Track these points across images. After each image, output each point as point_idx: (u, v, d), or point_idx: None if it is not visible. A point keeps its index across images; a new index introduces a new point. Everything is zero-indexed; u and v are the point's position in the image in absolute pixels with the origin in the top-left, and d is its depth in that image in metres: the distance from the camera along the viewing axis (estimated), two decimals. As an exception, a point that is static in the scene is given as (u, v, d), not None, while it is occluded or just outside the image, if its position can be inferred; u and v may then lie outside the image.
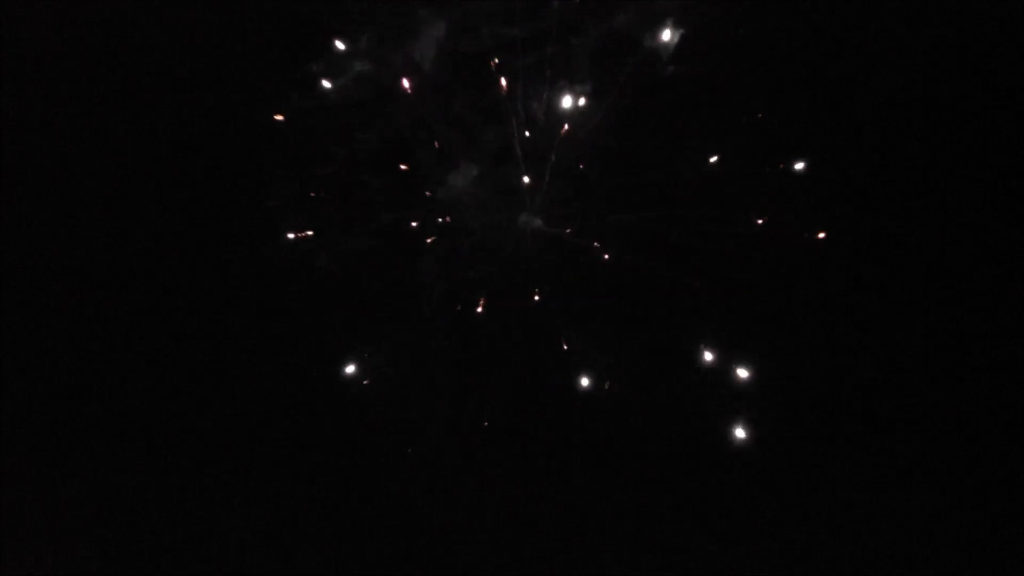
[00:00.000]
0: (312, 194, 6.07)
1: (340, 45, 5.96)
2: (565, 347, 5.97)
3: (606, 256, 5.99)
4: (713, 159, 6.02)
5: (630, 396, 5.93)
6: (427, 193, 5.99)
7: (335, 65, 6.13)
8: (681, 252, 6.01)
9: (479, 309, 5.94)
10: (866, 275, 5.93)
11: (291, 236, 5.86)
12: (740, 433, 5.77)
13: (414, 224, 5.95)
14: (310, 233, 5.83)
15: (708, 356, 5.83)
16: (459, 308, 5.95)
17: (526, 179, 5.97)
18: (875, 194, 6.00)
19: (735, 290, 5.99)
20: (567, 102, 6.05)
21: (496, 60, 6.10)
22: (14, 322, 5.95)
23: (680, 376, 5.92)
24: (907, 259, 5.93)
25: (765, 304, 5.97)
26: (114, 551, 6.00)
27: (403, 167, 6.03)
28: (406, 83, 6.03)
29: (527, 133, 6.02)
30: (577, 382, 5.90)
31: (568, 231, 5.95)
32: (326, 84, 6.07)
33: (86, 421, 5.92)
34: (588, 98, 6.02)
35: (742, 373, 5.86)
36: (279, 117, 5.92)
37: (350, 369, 5.90)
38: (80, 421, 5.90)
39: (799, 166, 5.94)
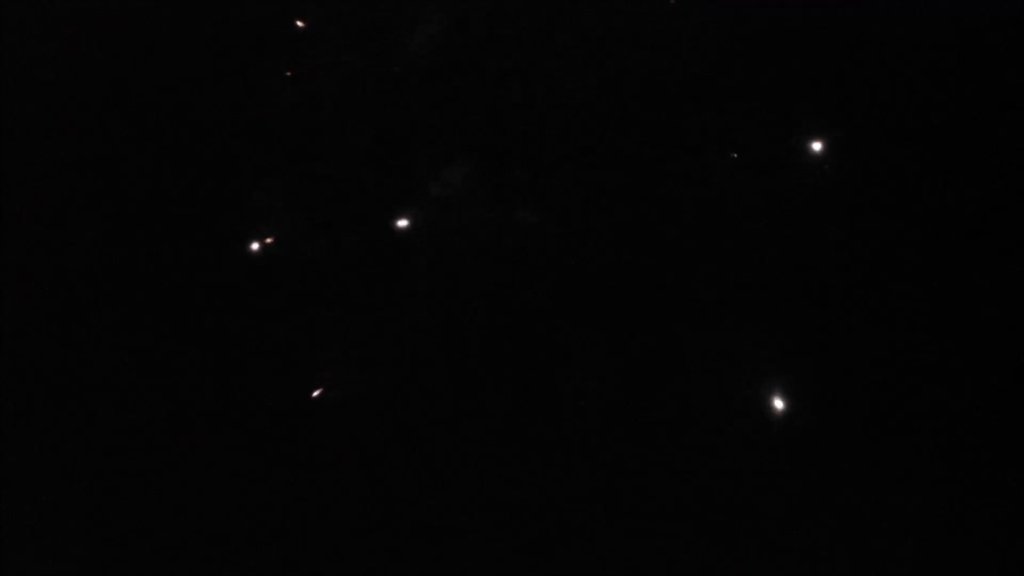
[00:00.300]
0: (299, 191, 6.08)
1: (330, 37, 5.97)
2: (563, 347, 5.99)
3: (605, 254, 6.00)
4: (718, 157, 6.03)
5: (631, 398, 5.94)
6: (419, 190, 5.99)
7: (323, 59, 6.14)
8: (681, 252, 6.03)
9: (473, 310, 5.94)
10: (876, 277, 5.94)
11: (269, 240, 5.88)
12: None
13: (405, 222, 5.95)
14: (269, 241, 5.84)
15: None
16: (452, 308, 5.96)
17: (522, 175, 5.97)
18: (887, 193, 6.02)
19: (737, 291, 6.01)
20: (567, 97, 6.06)
21: (493, 55, 6.11)
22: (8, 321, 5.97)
23: (681, 376, 5.93)
24: (920, 260, 5.94)
25: (768, 305, 5.99)
26: (112, 551, 6.02)
27: (394, 163, 6.04)
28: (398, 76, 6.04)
29: (524, 129, 6.02)
30: (577, 383, 5.92)
31: (565, 229, 5.96)
32: (315, 78, 6.09)
33: (78, 421, 5.94)
34: (588, 94, 6.02)
35: (749, 375, 5.88)
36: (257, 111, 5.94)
37: (337, 372, 5.91)
38: (72, 421, 5.92)
39: (813, 161, 5.95)
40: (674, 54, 5.87)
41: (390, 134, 6.01)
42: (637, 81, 5.90)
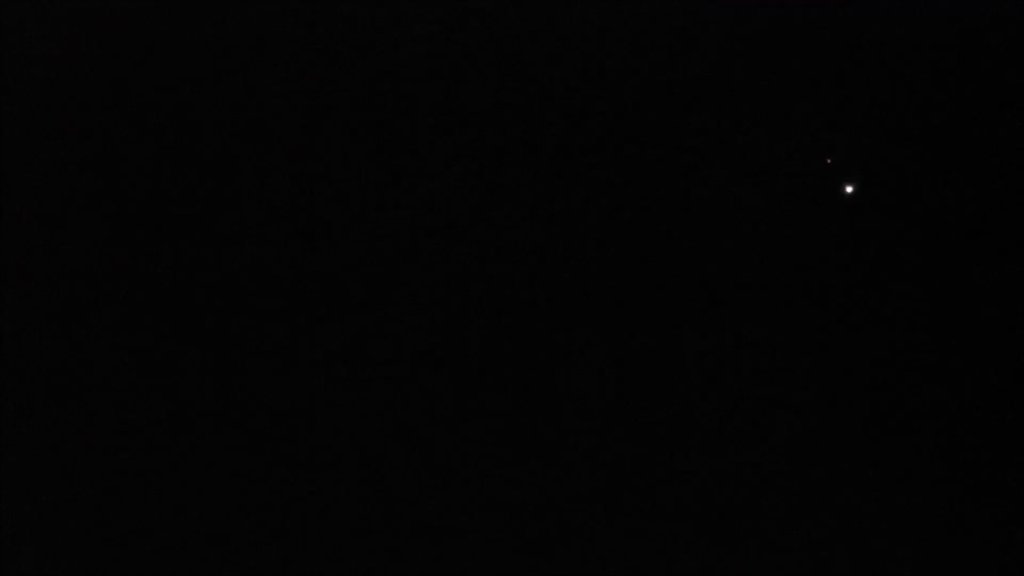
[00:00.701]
0: (299, 191, 6.08)
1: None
2: (563, 347, 5.98)
3: (604, 254, 6.00)
4: (718, 157, 6.03)
5: (631, 398, 5.95)
6: (418, 190, 5.99)
7: (322, 59, 6.14)
8: (681, 252, 6.03)
9: (472, 313, 5.94)
10: (876, 277, 5.94)
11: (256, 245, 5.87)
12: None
13: (405, 222, 5.95)
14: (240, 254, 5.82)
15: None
16: (452, 309, 5.95)
17: (521, 176, 5.97)
18: (887, 193, 6.03)
19: (737, 291, 6.01)
20: (566, 97, 6.05)
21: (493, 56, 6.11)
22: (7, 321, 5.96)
23: (681, 376, 5.94)
24: (920, 260, 5.95)
25: (768, 305, 5.99)
26: (111, 551, 6.02)
27: (394, 162, 6.04)
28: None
29: (523, 129, 6.02)
30: (577, 383, 5.92)
31: (564, 230, 5.96)
32: (314, 78, 6.08)
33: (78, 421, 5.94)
34: (588, 94, 6.02)
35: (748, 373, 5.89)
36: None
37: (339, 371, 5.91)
38: (72, 421, 5.92)
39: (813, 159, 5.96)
40: (674, 54, 5.87)
41: (389, 134, 6.01)
42: (637, 81, 5.90)
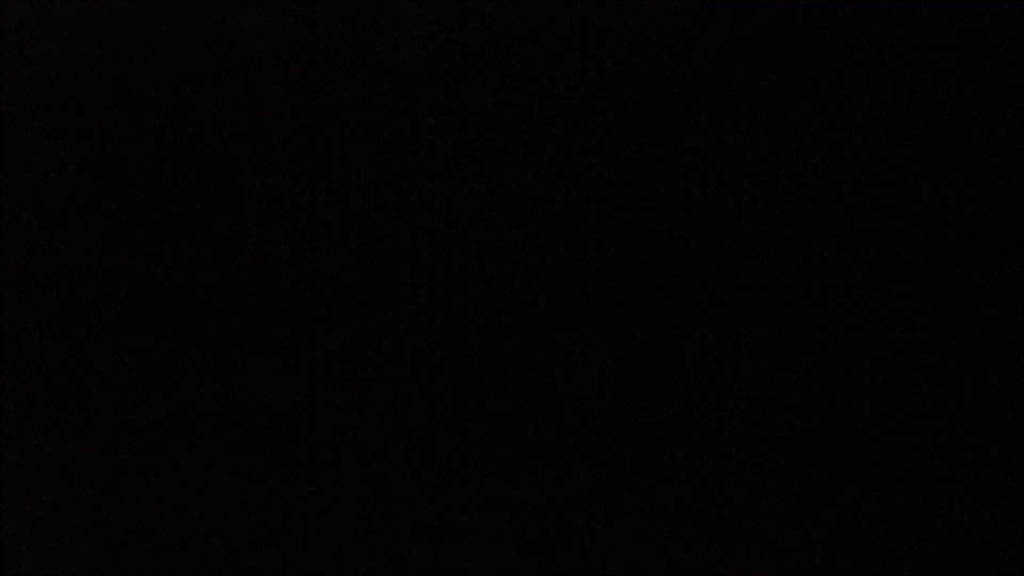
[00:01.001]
0: (299, 191, 6.08)
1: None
2: (563, 347, 5.99)
3: (604, 254, 6.01)
4: (719, 156, 6.04)
5: (631, 398, 5.96)
6: (416, 193, 6.00)
7: (322, 59, 6.15)
8: (682, 252, 6.04)
9: (472, 313, 5.94)
10: (876, 277, 5.95)
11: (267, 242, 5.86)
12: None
13: (400, 227, 5.96)
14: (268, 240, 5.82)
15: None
16: (452, 308, 5.96)
17: (521, 178, 5.98)
18: (887, 193, 6.04)
19: (737, 291, 6.01)
20: (566, 97, 6.06)
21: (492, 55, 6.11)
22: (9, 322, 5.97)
23: (681, 376, 5.95)
24: (920, 260, 5.96)
25: (768, 305, 6.00)
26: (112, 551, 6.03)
27: (392, 166, 6.04)
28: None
29: (523, 129, 6.02)
30: (577, 383, 5.92)
31: (564, 230, 5.96)
32: (314, 78, 6.08)
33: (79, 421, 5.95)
34: (588, 93, 6.02)
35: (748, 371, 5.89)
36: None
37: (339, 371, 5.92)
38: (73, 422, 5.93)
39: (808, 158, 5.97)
40: (674, 54, 5.88)
41: (389, 134, 6.03)
42: (637, 81, 5.92)
